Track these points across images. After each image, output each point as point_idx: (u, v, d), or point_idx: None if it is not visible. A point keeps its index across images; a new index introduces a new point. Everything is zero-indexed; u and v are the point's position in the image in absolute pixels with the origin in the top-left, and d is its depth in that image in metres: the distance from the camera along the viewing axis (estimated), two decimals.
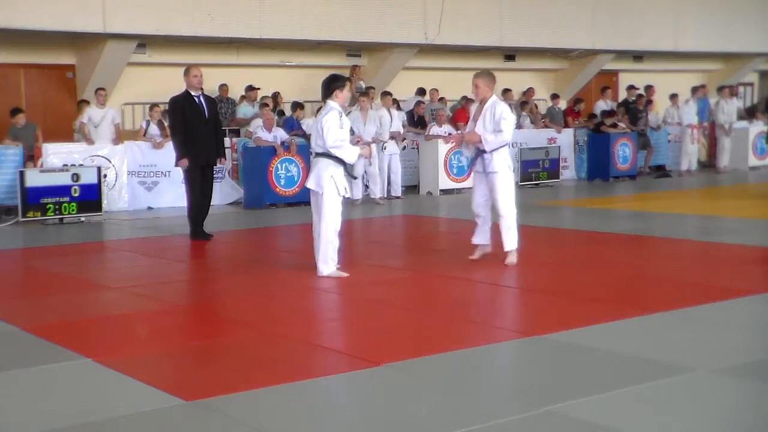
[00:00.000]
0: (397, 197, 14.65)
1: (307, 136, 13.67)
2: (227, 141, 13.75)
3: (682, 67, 22.36)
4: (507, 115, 8.02)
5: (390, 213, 13.16)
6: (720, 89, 19.57)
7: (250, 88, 16.13)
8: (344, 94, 7.75)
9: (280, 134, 13.81)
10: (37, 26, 14.04)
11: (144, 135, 14.14)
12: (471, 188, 8.77)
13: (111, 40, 14.73)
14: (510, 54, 19.84)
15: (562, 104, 19.29)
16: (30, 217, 11.97)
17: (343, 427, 4.17)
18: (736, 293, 6.69)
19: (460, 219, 11.86)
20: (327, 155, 7.57)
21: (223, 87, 16.20)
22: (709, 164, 19.64)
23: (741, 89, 23.59)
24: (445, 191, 15.22)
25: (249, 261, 8.99)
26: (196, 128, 10.02)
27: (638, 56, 21.82)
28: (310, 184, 7.71)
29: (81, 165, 12.68)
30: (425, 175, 15.58)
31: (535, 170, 16.43)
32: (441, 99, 17.68)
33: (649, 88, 18.89)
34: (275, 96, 16.02)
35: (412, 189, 15.83)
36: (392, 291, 7.30)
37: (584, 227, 10.93)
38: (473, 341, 5.50)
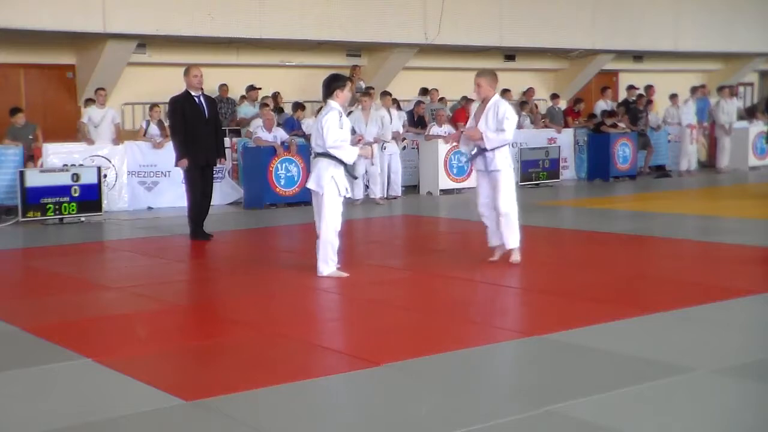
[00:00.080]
0: (397, 197, 14.66)
1: (307, 137, 13.66)
2: (227, 141, 13.75)
3: (682, 67, 22.36)
4: (510, 115, 8.01)
5: (390, 213, 13.16)
6: (720, 89, 19.56)
7: (251, 88, 16.14)
8: (345, 94, 7.74)
9: (280, 134, 13.80)
10: (37, 26, 14.04)
11: (144, 135, 14.15)
12: (472, 188, 8.76)
13: (111, 40, 14.74)
14: (510, 54, 19.83)
15: (562, 104, 19.29)
16: (30, 217, 11.97)
17: (343, 427, 4.16)
18: (736, 293, 6.69)
19: (460, 219, 11.87)
20: (327, 155, 7.56)
21: (223, 87, 16.20)
22: (709, 164, 19.63)
23: (741, 89, 23.58)
24: (445, 191, 15.22)
25: (249, 261, 8.98)
26: (196, 128, 10.01)
27: (638, 56, 21.82)
28: (311, 184, 7.70)
29: (81, 165, 12.68)
30: (425, 175, 15.58)
31: (535, 170, 16.43)
32: (441, 99, 17.67)
33: (649, 88, 18.87)
34: (275, 96, 16.02)
35: (412, 189, 15.83)
36: (392, 291, 7.30)
37: (584, 227, 10.92)
38: (473, 341, 5.50)
